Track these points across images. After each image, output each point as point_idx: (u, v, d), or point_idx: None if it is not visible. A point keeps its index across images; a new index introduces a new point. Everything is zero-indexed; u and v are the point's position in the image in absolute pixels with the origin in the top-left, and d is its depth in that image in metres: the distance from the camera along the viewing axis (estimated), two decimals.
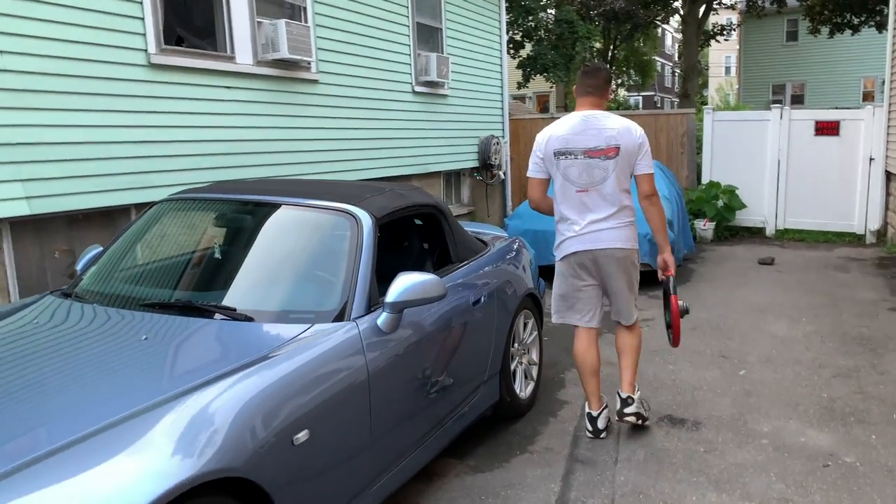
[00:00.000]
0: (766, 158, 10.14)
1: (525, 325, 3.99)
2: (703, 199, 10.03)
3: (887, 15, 10.26)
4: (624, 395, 3.61)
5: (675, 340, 3.72)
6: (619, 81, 33.45)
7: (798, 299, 6.55)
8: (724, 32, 25.23)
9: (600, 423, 3.61)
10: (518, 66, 20.32)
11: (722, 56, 44.10)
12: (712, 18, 26.46)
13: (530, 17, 19.49)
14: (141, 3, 4.78)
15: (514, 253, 4.14)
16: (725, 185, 10.08)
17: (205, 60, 5.30)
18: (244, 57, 5.69)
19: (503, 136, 10.65)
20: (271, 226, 2.94)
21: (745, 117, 10.81)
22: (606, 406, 3.72)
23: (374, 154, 7.45)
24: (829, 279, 7.38)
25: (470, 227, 4.56)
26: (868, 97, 25.17)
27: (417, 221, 3.72)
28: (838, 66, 26.55)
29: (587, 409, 3.67)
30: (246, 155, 5.73)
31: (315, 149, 6.55)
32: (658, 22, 27.75)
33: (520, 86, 21.10)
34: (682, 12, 22.13)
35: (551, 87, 27.26)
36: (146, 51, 4.83)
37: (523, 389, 3.90)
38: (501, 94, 10.63)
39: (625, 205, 3.48)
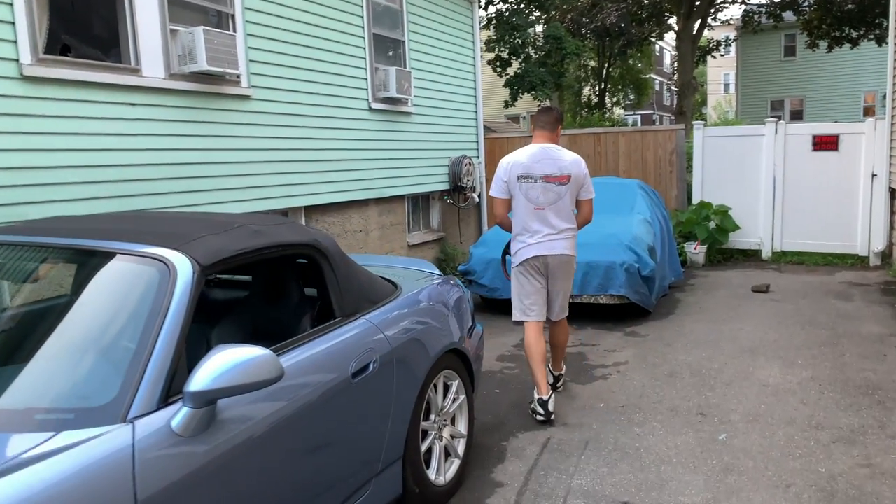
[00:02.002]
0: (761, 176, 9.41)
1: (446, 388, 3.19)
2: (693, 220, 9.28)
3: (887, 28, 9.58)
4: (556, 373, 4.48)
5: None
6: (615, 100, 32.80)
7: (794, 335, 5.76)
8: (720, 48, 24.60)
9: (550, 406, 4.04)
10: (505, 85, 19.66)
11: (721, 73, 43.50)
12: (708, 34, 25.84)
13: (517, 34, 18.85)
14: (11, 4, 4.08)
15: (440, 297, 3.36)
16: (717, 205, 9.36)
17: (99, 73, 4.57)
18: (154, 69, 4.97)
19: (477, 157, 9.92)
20: (55, 280, 2.17)
21: (738, 132, 10.07)
22: (553, 390, 4.32)
23: (321, 178, 6.71)
24: (830, 309, 6.59)
25: (390, 263, 3.82)
26: (869, 112, 24.37)
27: (302, 261, 2.94)
28: (837, 80, 25.80)
29: (537, 396, 4.09)
30: (156, 181, 4.98)
31: (246, 172, 5.81)
32: (653, 38, 27.14)
33: (507, 104, 20.41)
34: (676, 28, 21.49)
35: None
36: (18, 61, 4.11)
37: (442, 472, 3.07)
38: (476, 111, 9.91)
39: (572, 222, 4.24)
